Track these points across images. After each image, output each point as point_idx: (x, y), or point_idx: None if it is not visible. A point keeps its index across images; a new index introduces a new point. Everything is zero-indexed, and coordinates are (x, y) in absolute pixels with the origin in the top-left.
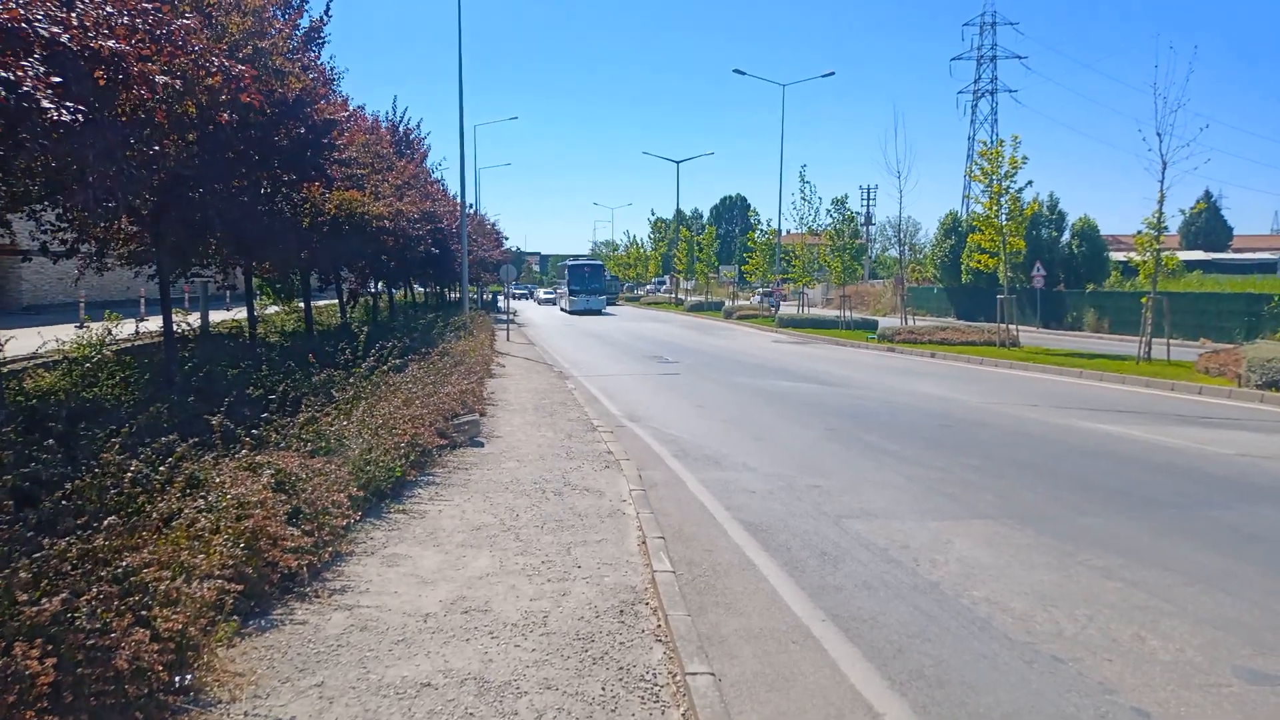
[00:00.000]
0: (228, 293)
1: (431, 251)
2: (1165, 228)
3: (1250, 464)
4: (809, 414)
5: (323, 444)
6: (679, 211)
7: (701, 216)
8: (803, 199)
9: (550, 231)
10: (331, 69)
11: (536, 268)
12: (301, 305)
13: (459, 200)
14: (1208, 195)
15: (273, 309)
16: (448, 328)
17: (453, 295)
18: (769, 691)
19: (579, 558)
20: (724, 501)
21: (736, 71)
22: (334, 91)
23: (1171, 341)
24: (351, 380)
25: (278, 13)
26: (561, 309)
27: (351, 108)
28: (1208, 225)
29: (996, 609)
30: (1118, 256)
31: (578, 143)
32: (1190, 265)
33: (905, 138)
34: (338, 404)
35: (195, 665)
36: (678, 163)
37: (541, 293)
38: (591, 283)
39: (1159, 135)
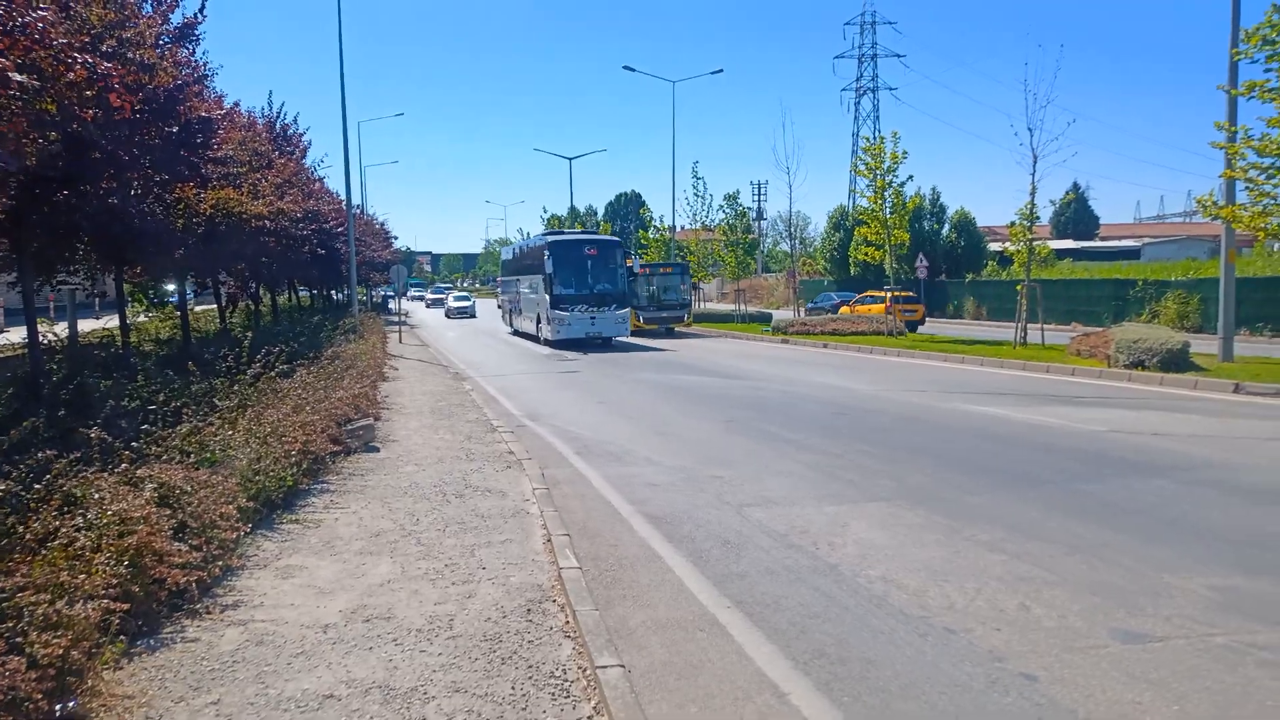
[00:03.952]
0: (97, 300)
1: (316, 252)
2: (1037, 218)
3: (1121, 439)
4: (709, 406)
5: (208, 455)
6: (573, 208)
7: (597, 213)
8: (696, 195)
9: (441, 230)
10: (205, 64)
11: (428, 267)
12: (177, 312)
13: (343, 199)
14: (1076, 187)
15: (145, 316)
16: (336, 331)
17: (340, 298)
18: (678, 679)
19: (483, 559)
20: (628, 496)
21: (626, 68)
22: (208, 89)
23: (1045, 326)
24: (236, 388)
25: (147, 6)
26: (525, 333)
27: (227, 105)
28: (1076, 215)
29: (892, 586)
30: (994, 247)
31: (467, 139)
32: (1061, 254)
33: (793, 134)
34: (222, 413)
35: (79, 691)
36: (570, 159)
37: (452, 298)
38: (600, 280)
39: (1030, 130)
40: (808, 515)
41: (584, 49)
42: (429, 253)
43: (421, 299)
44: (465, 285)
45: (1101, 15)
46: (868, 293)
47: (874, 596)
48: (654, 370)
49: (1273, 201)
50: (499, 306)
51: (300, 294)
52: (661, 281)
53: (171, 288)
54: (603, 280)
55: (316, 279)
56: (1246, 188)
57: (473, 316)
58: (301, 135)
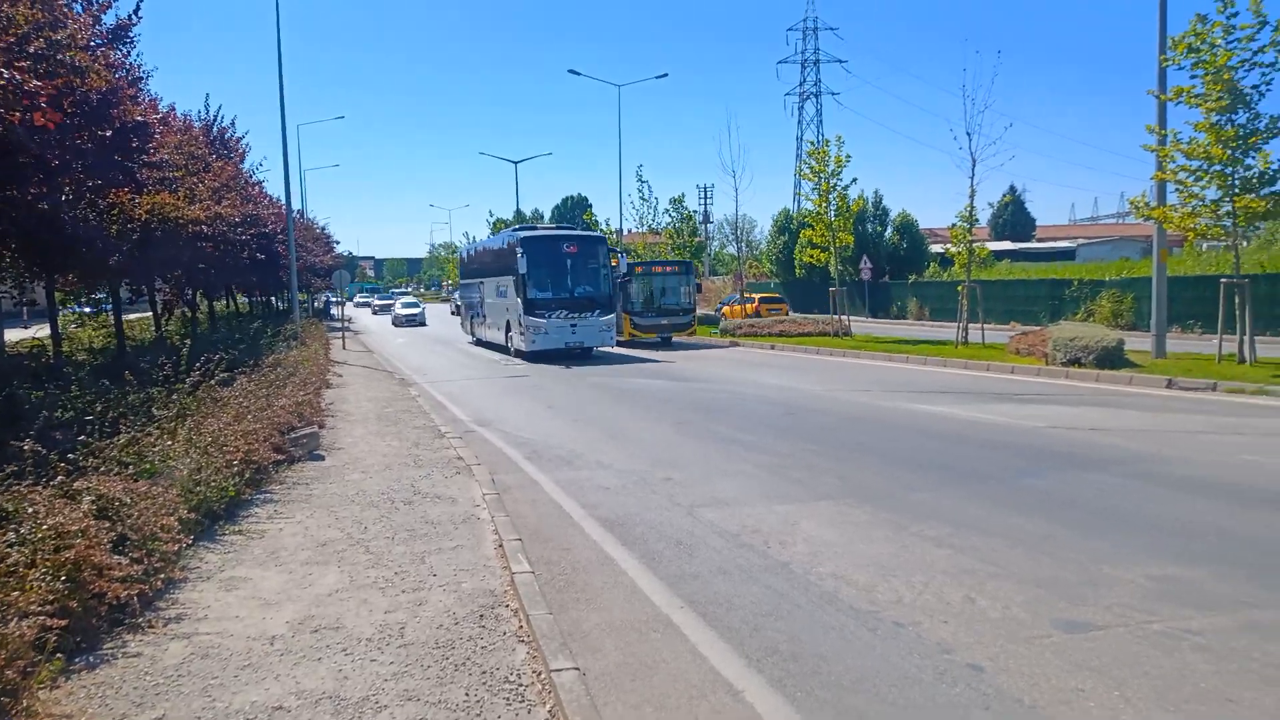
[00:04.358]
0: (25, 309)
1: (255, 257)
2: (976, 220)
3: (1060, 435)
4: (659, 409)
5: (147, 466)
6: (519, 212)
7: (543, 217)
8: (641, 199)
9: (385, 235)
10: (139, 66)
11: (371, 272)
12: (112, 320)
13: (283, 203)
14: (1013, 189)
15: (76, 325)
16: (277, 337)
17: (281, 304)
18: (633, 680)
19: (434, 566)
20: (579, 500)
21: (571, 72)
22: (143, 92)
23: (985, 326)
24: (174, 397)
25: (78, 7)
26: (491, 343)
27: (163, 108)
28: (1014, 217)
29: (842, 583)
30: (936, 248)
31: (411, 143)
32: (999, 255)
33: (739, 138)
34: (160, 423)
35: (14, 711)
36: (515, 163)
37: (400, 304)
38: (581, 281)
39: (968, 134)
40: (759, 515)
41: (529, 53)
42: (372, 257)
43: (368, 305)
44: (410, 290)
45: (1037, 22)
46: (742, 294)
47: (825, 593)
48: (602, 374)
49: (1201, 203)
50: (453, 313)
51: (240, 300)
52: (660, 282)
53: (102, 295)
54: (584, 282)
55: (256, 285)
56: (1176, 189)
57: (422, 324)
58: (240, 139)
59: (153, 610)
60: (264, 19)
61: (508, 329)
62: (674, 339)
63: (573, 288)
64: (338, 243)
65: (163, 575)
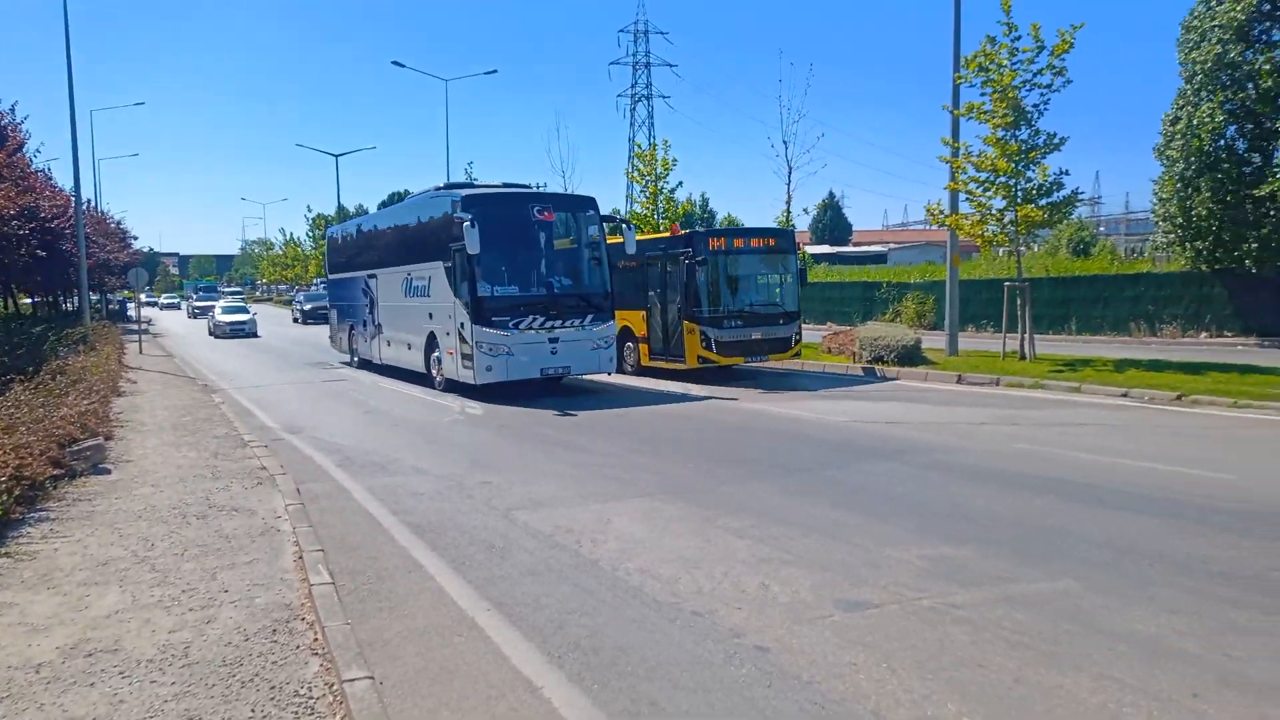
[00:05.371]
0: None
1: (37, 254)
2: (794, 225)
3: (861, 428)
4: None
5: None
6: (341, 208)
7: (367, 214)
8: None
9: (191, 231)
10: None
11: (175, 270)
12: None
13: (71, 195)
14: (832, 195)
15: None
16: (61, 342)
17: (71, 305)
18: (431, 685)
19: (226, 582)
20: (391, 507)
21: (395, 63)
22: None
23: (804, 326)
24: None
25: None
26: (398, 368)
27: None
28: (832, 222)
29: (648, 577)
30: None
31: (220, 133)
32: (819, 258)
33: (570, 138)
34: None
35: None
36: (336, 156)
37: (221, 309)
38: (560, 270)
39: (785, 142)
40: (574, 514)
41: (350, 42)
42: (176, 254)
43: (175, 306)
44: (241, 290)
45: (851, 38)
46: None
47: (631, 588)
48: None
49: (989, 211)
50: (294, 319)
51: (23, 302)
52: (748, 266)
53: None
54: (564, 271)
55: (40, 284)
56: (967, 198)
57: (253, 335)
58: (18, 125)
59: None
60: None
61: (430, 346)
62: (734, 368)
63: (550, 278)
64: (135, 238)
65: None
